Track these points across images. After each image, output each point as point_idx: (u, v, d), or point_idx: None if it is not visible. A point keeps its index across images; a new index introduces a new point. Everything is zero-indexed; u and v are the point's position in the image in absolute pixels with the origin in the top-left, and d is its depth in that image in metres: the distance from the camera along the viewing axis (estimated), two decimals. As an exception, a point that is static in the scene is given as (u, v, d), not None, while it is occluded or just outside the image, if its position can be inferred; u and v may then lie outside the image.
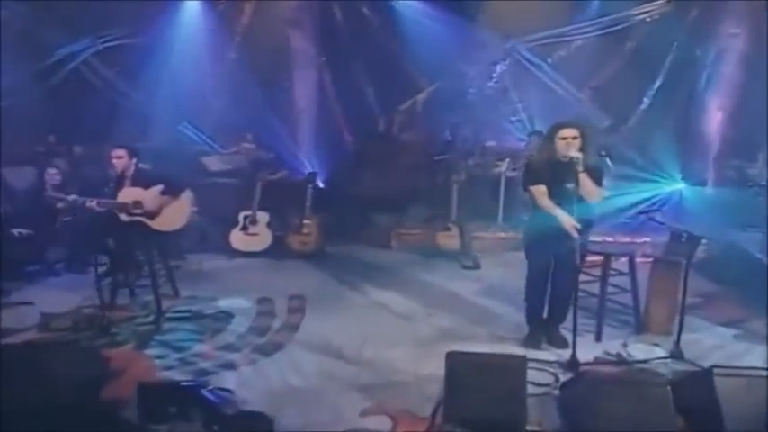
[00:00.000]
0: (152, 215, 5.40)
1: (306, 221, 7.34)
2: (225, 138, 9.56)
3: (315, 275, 6.74)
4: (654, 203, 8.04)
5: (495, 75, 9.56)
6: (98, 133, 8.45)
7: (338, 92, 9.61)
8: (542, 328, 4.94)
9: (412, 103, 9.76)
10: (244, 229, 7.29)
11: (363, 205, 8.66)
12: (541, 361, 4.53)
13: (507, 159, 8.27)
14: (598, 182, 4.61)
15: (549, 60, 9.34)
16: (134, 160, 5.50)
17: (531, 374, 4.25)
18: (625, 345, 4.84)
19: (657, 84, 9.01)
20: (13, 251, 6.14)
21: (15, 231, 6.19)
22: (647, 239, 6.32)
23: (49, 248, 6.55)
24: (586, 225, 4.73)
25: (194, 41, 9.24)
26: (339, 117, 9.79)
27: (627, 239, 6.82)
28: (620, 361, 4.57)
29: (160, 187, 5.38)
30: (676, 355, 4.53)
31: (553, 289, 4.87)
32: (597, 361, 4.57)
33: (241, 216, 7.33)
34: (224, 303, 5.73)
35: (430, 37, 8.99)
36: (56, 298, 5.71)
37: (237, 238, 7.27)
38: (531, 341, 4.87)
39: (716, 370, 3.50)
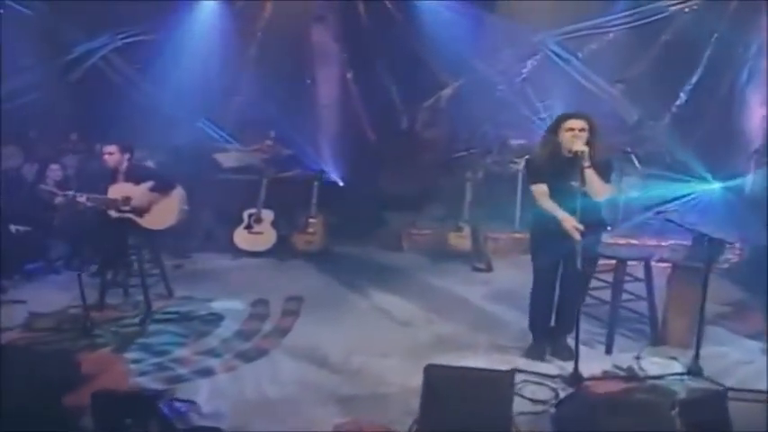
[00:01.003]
0: (141, 212, 5.21)
1: (311, 220, 7.07)
2: (247, 135, 9.37)
3: (317, 276, 6.47)
4: (685, 203, 7.51)
5: (525, 70, 9.16)
6: (119, 131, 8.34)
7: (361, 88, 9.33)
8: (548, 337, 4.56)
9: (436, 99, 9.40)
10: (248, 227, 7.06)
11: (380, 205, 8.37)
12: (542, 374, 4.16)
13: (527, 157, 7.84)
14: (606, 178, 4.22)
15: (580, 54, 8.81)
16: (126, 155, 5.32)
17: (530, 389, 3.97)
18: (638, 358, 4.41)
19: (695, 78, 8.45)
20: (11, 248, 6.03)
21: (13, 228, 6.06)
22: (666, 242, 5.82)
23: (50, 245, 6.44)
24: (596, 226, 4.33)
25: (214, 38, 9.04)
26: (362, 114, 9.49)
27: (643, 242, 6.31)
28: (629, 376, 4.15)
29: (149, 183, 5.17)
30: (694, 371, 4.09)
31: (561, 295, 4.48)
32: (604, 376, 4.15)
33: (245, 214, 7.10)
34: (218, 305, 5.51)
35: (455, 32, 8.61)
36: (50, 296, 5.57)
37: (241, 237, 7.05)
38: (533, 352, 4.49)
39: (731, 393, 3.07)
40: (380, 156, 9.24)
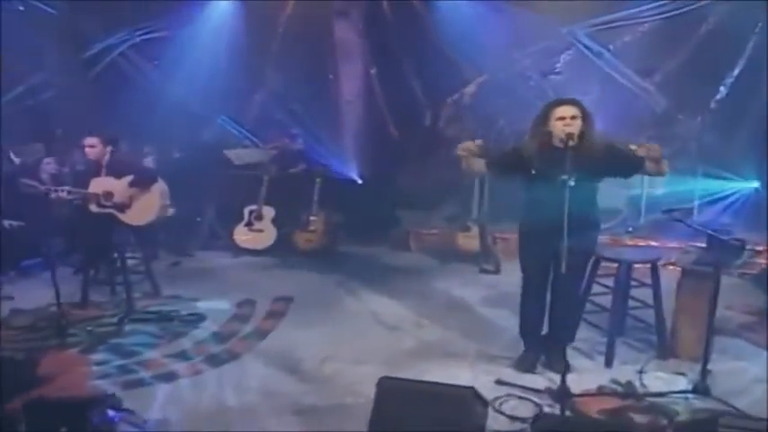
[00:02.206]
0: (122, 207, 5.03)
1: (312, 218, 6.81)
2: (269, 133, 9.19)
3: (314, 277, 6.20)
4: (717, 203, 6.95)
5: (558, 65, 8.69)
6: (139, 128, 8.26)
7: (384, 85, 9.08)
8: (540, 347, 4.16)
9: (459, 95, 9.05)
10: (249, 225, 6.85)
11: (397, 203, 8.07)
12: (528, 388, 3.76)
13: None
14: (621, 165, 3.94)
15: (611, 47, 8.31)
16: (108, 148, 5.15)
17: (511, 405, 3.60)
18: (641, 372, 3.97)
19: (737, 71, 7.85)
20: (7, 244, 5.95)
21: (6, 223, 5.98)
22: (679, 244, 5.31)
23: (46, 241, 6.34)
24: (591, 224, 3.93)
25: (235, 35, 8.89)
26: (384, 111, 9.23)
27: (650, 243, 5.80)
28: (626, 393, 3.71)
29: (129, 178, 4.99)
30: (700, 389, 3.62)
31: (552, 300, 4.07)
32: (597, 392, 3.74)
33: (246, 211, 6.89)
34: (203, 305, 5.31)
35: (479, 26, 8.21)
36: (39, 293, 5.42)
37: (241, 235, 6.85)
38: (522, 362, 4.10)
39: (722, 420, 2.64)
40: (402, 153, 8.96)
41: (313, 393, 3.77)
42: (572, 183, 3.69)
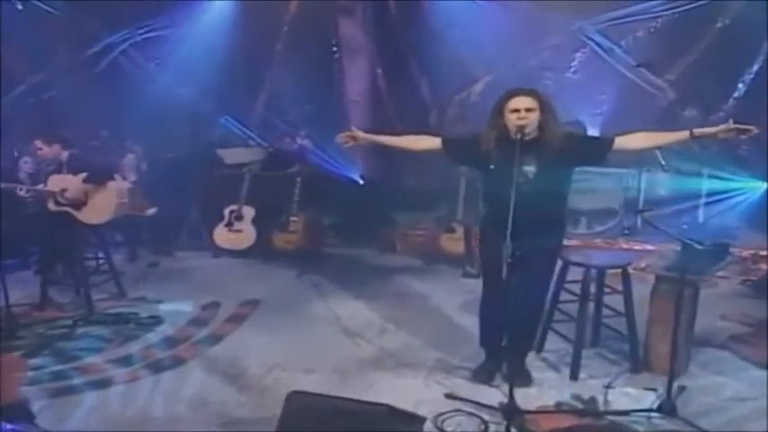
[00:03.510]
0: (78, 205, 4.87)
1: (292, 219, 6.57)
2: (274, 132, 9.03)
3: (289, 279, 5.97)
4: (723, 203, 6.52)
5: (573, 63, 8.33)
6: (140, 127, 8.17)
7: (390, 83, 8.85)
8: (501, 357, 3.85)
9: (466, 94, 8.76)
10: (228, 225, 6.65)
11: (396, 204, 7.80)
12: (479, 404, 3.46)
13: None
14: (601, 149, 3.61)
15: (623, 43, 7.95)
16: (57, 146, 5.00)
17: (456, 421, 3.32)
18: (609, 387, 3.65)
19: (756, 66, 7.45)
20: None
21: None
22: (655, 246, 4.92)
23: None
24: (555, 223, 3.62)
25: (238, 32, 8.71)
26: (390, 109, 9.00)
27: (622, 245, 5.41)
28: (584, 410, 3.39)
29: (84, 174, 4.83)
30: (666, 408, 3.27)
31: (514, 307, 3.75)
32: (552, 408, 3.42)
33: (227, 211, 6.69)
34: (166, 307, 5.12)
35: (488, 23, 7.91)
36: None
37: (221, 235, 6.64)
38: (480, 374, 3.81)
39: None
40: (407, 152, 8.69)
41: (248, 405, 3.53)
42: (531, 177, 3.44)
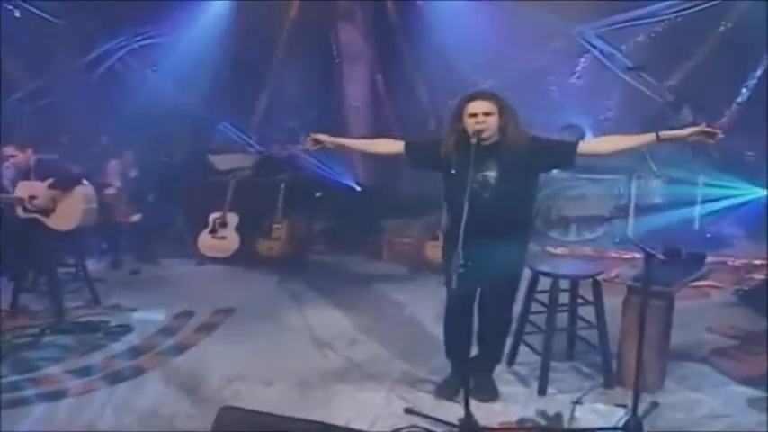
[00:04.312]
0: (46, 212, 4.80)
1: (276, 226, 6.47)
2: (273, 138, 8.96)
3: (269, 287, 5.88)
4: (721, 210, 6.29)
5: (577, 69, 8.16)
6: (140, 133, 8.12)
7: (389, 88, 8.77)
8: (467, 370, 3.68)
9: None
10: (212, 232, 6.56)
11: (385, 210, 7.66)
12: (437, 420, 3.31)
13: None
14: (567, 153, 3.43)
15: (624, 47, 7.78)
16: (29, 152, 4.94)
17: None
18: (577, 403, 3.48)
19: (759, 71, 7.28)
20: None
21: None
22: (628, 255, 4.73)
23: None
24: (519, 229, 3.47)
25: (236, 38, 8.66)
26: (390, 115, 8.91)
27: (593, 254, 5.23)
28: (546, 428, 3.22)
29: (50, 180, 4.76)
30: (632, 426, 3.09)
31: (481, 318, 3.62)
32: (513, 426, 3.26)
33: (211, 218, 6.60)
34: (139, 315, 5.05)
35: (486, 27, 7.74)
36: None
37: (205, 242, 6.56)
38: (444, 388, 3.66)
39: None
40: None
41: (199, 417, 3.40)
42: (492, 182, 3.31)
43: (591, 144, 3.41)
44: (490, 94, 3.41)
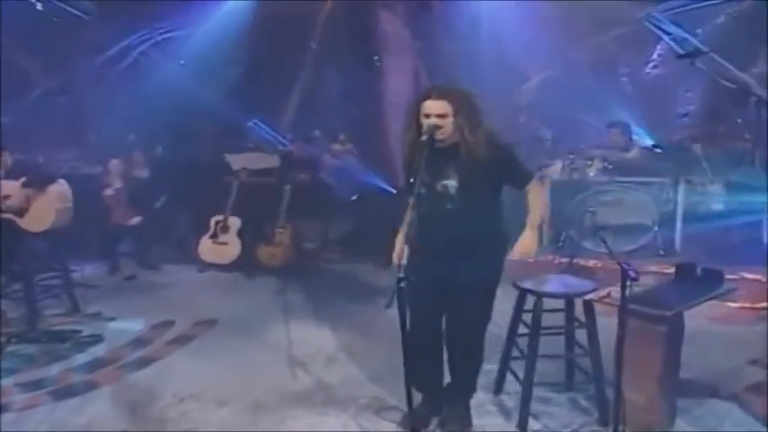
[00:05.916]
0: (20, 212, 4.59)
1: (278, 231, 6.13)
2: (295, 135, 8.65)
3: (261, 296, 5.56)
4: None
5: (653, 58, 7.54)
6: (175, 132, 7.96)
7: (433, 81, 8.32)
8: (440, 398, 3.25)
9: (516, 94, 8.11)
10: (213, 236, 6.27)
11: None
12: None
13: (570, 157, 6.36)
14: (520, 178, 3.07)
15: (699, 31, 7.00)
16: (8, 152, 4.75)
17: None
18: (562, 442, 2.98)
19: None
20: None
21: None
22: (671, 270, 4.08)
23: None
24: (491, 245, 3.01)
25: (271, 32, 8.33)
26: None
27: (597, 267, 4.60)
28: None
29: (23, 179, 4.55)
30: (617, 475, 2.59)
31: (449, 344, 3.17)
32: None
33: (212, 222, 6.31)
34: (116, 325, 4.81)
35: (539, 15, 7.18)
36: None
37: (206, 247, 6.27)
38: (410, 418, 3.18)
39: None
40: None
41: (138, 441, 3.08)
42: (453, 192, 2.90)
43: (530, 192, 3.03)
44: (446, 91, 2.94)
